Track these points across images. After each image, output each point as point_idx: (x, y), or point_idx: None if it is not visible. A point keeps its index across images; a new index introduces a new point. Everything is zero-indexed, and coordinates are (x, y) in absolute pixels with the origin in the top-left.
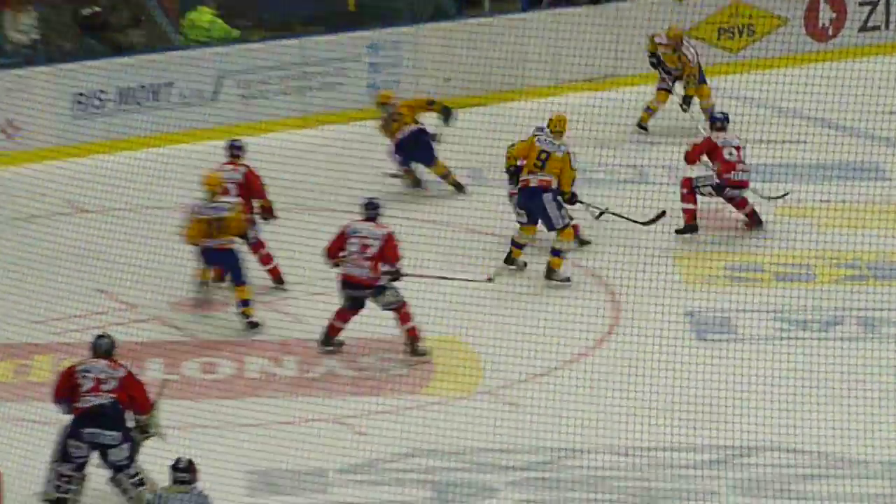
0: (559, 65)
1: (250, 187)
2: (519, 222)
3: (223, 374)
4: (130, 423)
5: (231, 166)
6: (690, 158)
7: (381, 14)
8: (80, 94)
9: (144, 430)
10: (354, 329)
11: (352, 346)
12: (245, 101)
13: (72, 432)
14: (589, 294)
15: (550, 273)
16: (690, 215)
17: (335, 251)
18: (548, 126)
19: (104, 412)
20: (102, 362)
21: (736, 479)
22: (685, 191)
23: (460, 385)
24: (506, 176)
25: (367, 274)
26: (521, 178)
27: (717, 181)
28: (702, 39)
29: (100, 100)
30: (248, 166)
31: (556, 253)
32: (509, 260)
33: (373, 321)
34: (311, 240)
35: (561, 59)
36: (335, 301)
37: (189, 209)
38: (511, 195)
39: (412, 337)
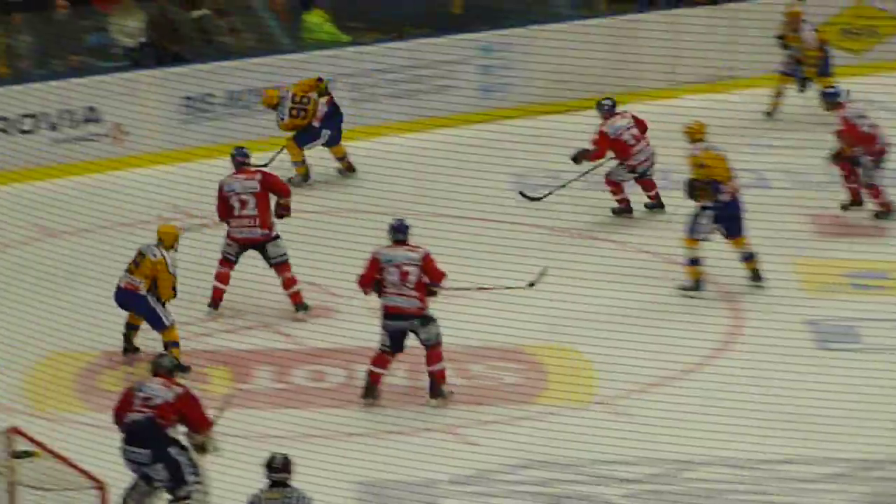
0: (676, 66)
1: (271, 188)
2: (705, 238)
3: (332, 383)
4: (182, 441)
5: (244, 175)
6: (849, 148)
7: (492, 16)
8: (188, 98)
9: (202, 449)
10: (464, 337)
11: (462, 355)
12: (355, 105)
13: (121, 449)
14: (706, 302)
15: (757, 277)
16: (855, 192)
17: (369, 281)
18: (689, 136)
19: (135, 429)
20: (158, 381)
21: (860, 494)
22: (845, 173)
23: (574, 395)
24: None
25: (416, 304)
26: (723, 190)
27: (874, 158)
28: (824, 42)
29: (208, 103)
30: (261, 171)
31: (751, 256)
32: (696, 285)
33: (483, 328)
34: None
35: (678, 60)
36: (447, 309)
37: None
38: (703, 210)
39: (438, 379)
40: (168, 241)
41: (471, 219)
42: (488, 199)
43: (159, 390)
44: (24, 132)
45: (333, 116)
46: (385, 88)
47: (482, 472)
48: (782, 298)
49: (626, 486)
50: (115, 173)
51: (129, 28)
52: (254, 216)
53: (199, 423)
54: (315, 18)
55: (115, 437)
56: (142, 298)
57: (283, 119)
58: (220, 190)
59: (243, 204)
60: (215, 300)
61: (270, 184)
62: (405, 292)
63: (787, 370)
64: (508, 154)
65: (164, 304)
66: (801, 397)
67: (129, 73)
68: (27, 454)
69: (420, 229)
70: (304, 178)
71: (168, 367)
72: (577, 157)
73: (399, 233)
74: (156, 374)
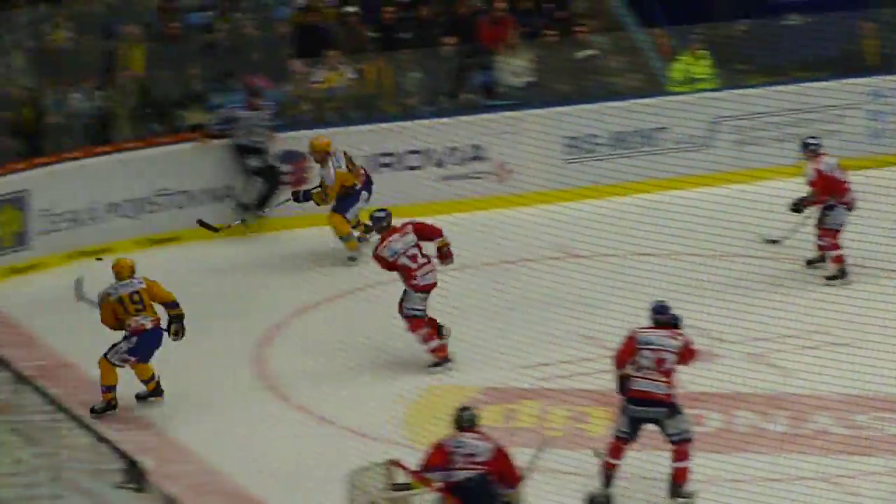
0: None
1: (423, 236)
2: None
3: (712, 428)
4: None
5: (398, 234)
6: None
7: (885, 60)
8: (573, 138)
9: None
10: (847, 386)
11: (845, 404)
12: (739, 148)
13: None
14: None
15: None
16: None
17: (624, 360)
18: None
19: (471, 487)
20: (473, 435)
21: None
22: None
23: None
24: None
25: (664, 390)
26: None
27: None
28: None
29: (592, 144)
30: (413, 224)
31: None
32: None
33: (868, 378)
34: (804, 293)
35: None
36: (827, 356)
37: (103, 295)
38: None
39: (680, 477)
40: (125, 272)
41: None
42: (875, 248)
43: (480, 445)
44: (410, 168)
45: (368, 180)
46: (769, 132)
47: None
48: None
49: None
50: (498, 211)
51: (515, 67)
52: (427, 261)
53: (513, 478)
54: (686, 60)
55: None
56: (160, 331)
57: (340, 167)
58: (381, 258)
59: (413, 258)
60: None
61: (422, 232)
62: (654, 377)
63: None
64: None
65: None
66: None
67: (514, 112)
68: (406, 486)
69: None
70: (354, 257)
71: (472, 420)
72: (799, 206)
73: (659, 314)
74: (465, 429)
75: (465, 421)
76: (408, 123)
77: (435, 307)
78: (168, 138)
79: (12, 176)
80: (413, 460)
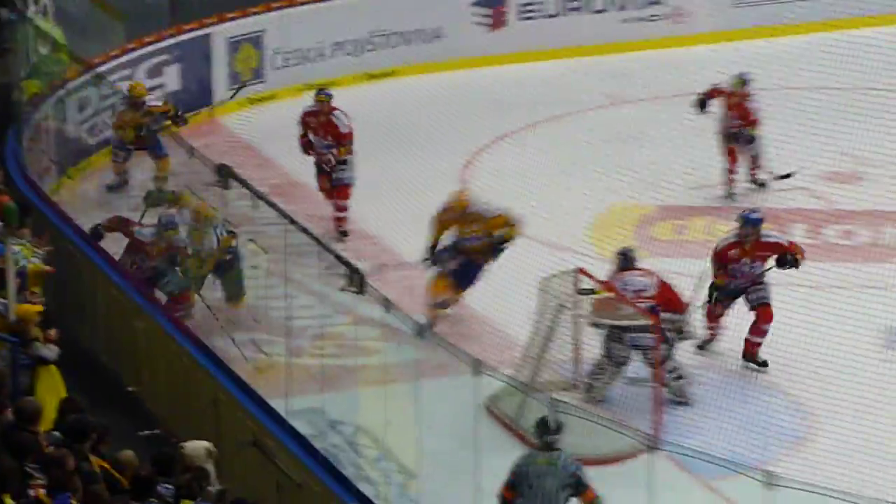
0: None
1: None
2: None
3: (859, 242)
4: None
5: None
6: None
7: None
8: None
9: (679, 330)
10: None
11: None
12: None
13: (614, 336)
14: None
15: None
16: None
17: None
18: None
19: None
20: (635, 273)
21: None
22: None
23: None
24: None
25: None
26: None
27: None
28: None
29: None
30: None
31: None
32: None
33: None
34: None
35: None
36: None
37: None
38: None
39: None
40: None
41: None
42: None
43: (646, 281)
44: (595, 11)
45: None
46: None
47: None
48: None
49: None
50: (673, 50)
51: None
52: None
53: (679, 305)
54: None
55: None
56: None
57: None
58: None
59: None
60: None
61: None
62: None
63: None
64: None
65: None
66: None
67: None
68: (591, 291)
69: None
70: None
71: (633, 258)
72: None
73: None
74: (628, 268)
75: (627, 260)
76: None
77: (615, 134)
78: None
79: (251, 18)
80: (597, 269)
